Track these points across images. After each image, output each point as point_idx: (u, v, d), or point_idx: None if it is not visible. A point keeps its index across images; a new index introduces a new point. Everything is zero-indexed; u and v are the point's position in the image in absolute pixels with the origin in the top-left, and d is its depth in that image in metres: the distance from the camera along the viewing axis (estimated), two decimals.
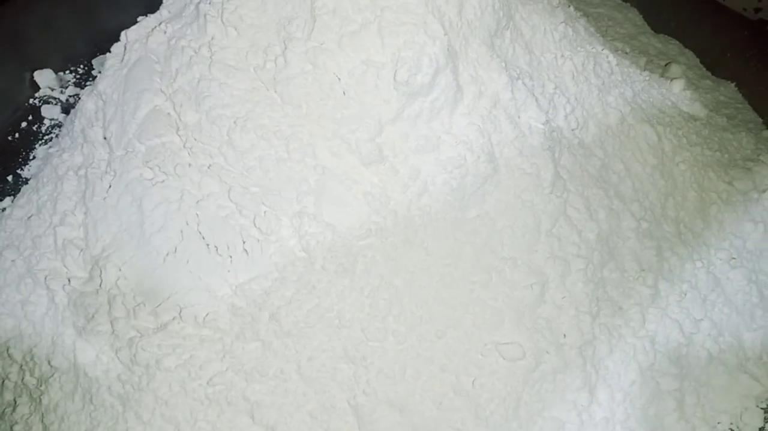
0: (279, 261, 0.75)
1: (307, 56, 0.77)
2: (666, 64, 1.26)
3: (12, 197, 1.13)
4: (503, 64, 0.82)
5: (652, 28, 1.40)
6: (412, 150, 0.78)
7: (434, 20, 0.75)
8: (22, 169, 1.20)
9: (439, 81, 0.76)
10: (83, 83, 1.37)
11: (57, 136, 1.26)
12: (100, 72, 1.37)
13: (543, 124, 0.82)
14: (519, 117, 0.82)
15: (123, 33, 0.96)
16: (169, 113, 0.82)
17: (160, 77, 0.85)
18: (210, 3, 0.84)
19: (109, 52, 0.99)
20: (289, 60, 0.77)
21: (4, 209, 1.11)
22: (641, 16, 1.42)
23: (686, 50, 1.35)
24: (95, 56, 1.41)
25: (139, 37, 0.93)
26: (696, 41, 1.35)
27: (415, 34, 0.74)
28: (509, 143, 0.80)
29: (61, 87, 1.36)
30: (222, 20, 0.82)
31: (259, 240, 0.76)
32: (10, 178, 1.18)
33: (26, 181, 1.18)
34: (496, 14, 0.82)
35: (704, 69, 1.31)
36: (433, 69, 0.75)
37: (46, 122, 1.29)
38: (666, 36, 1.38)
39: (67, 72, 1.38)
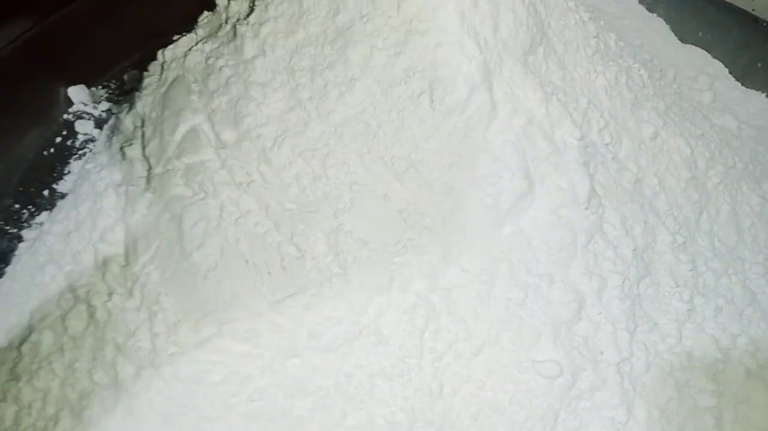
0: (316, 278, 0.76)
1: (342, 77, 0.78)
2: (695, 76, 1.25)
3: (48, 211, 1.16)
4: (537, 80, 0.82)
5: (679, 39, 1.39)
6: (447, 167, 0.79)
7: (470, 40, 0.76)
8: (57, 184, 1.22)
9: (474, 99, 0.77)
10: (116, 98, 1.39)
11: (91, 151, 1.29)
12: (132, 88, 1.42)
13: (578, 139, 0.82)
14: (554, 133, 0.82)
15: (160, 52, 0.98)
16: (207, 132, 0.84)
17: (198, 96, 0.87)
18: (247, 24, 0.86)
19: (146, 70, 1.01)
20: (325, 81, 0.79)
21: (41, 224, 1.14)
22: (668, 26, 1.42)
23: (714, 61, 1.34)
24: (127, 71, 1.44)
25: (175, 57, 0.95)
26: (724, 51, 1.34)
27: (452, 55, 0.75)
28: (544, 159, 0.81)
29: (94, 102, 1.38)
30: (259, 41, 0.84)
31: (296, 257, 0.77)
32: (46, 192, 1.20)
33: (62, 196, 1.21)
34: (530, 31, 0.82)
35: (733, 80, 1.30)
36: (469, 88, 0.76)
37: (80, 137, 1.32)
38: (693, 46, 1.37)
39: (100, 87, 1.41)
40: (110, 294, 0.82)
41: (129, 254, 0.83)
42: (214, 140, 0.83)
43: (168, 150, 0.85)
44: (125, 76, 1.43)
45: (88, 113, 1.37)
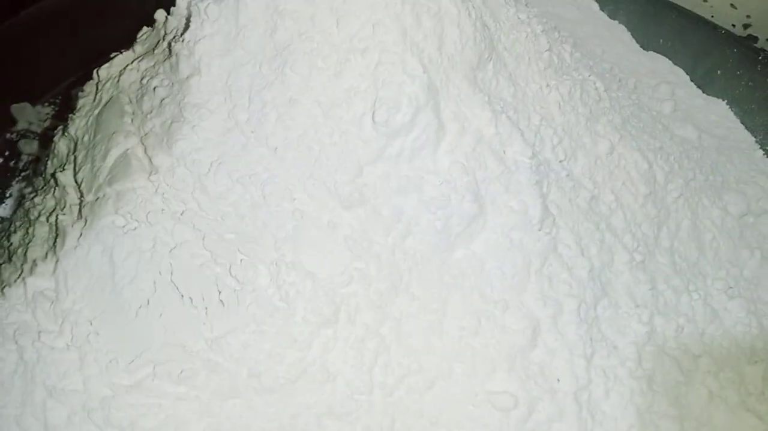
0: (257, 312, 0.72)
1: (281, 98, 0.74)
2: (656, 84, 1.23)
3: None
4: (486, 98, 0.79)
5: (641, 46, 1.38)
6: (394, 191, 0.75)
7: (412, 57, 0.72)
8: None
9: (419, 119, 0.73)
10: (62, 116, 1.33)
11: (35, 172, 1.23)
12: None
13: (529, 158, 0.79)
14: (504, 152, 0.79)
15: (95, 71, 0.93)
16: (140, 157, 0.79)
17: (131, 119, 0.82)
18: (183, 41, 0.81)
19: (81, 90, 0.96)
20: (263, 101, 0.74)
21: None
22: (629, 33, 1.40)
23: (676, 68, 1.33)
24: (74, 88, 1.38)
25: (110, 76, 0.90)
26: (685, 58, 1.33)
27: (393, 74, 0.71)
28: (495, 180, 0.77)
29: (40, 120, 1.32)
30: (194, 59, 0.79)
31: (235, 290, 0.72)
32: None
33: (1, 220, 1.15)
34: (478, 47, 0.79)
35: (695, 87, 1.29)
36: (413, 108, 0.72)
37: (24, 157, 1.26)
38: (655, 53, 1.36)
39: (46, 105, 1.35)
40: (39, 333, 0.77)
41: (59, 289, 0.78)
42: (147, 166, 0.78)
43: (99, 176, 0.80)
44: (72, 92, 1.38)
45: (33, 132, 1.31)
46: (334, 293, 0.73)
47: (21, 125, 1.33)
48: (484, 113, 0.77)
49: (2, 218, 1.14)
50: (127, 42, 1.41)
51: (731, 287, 0.93)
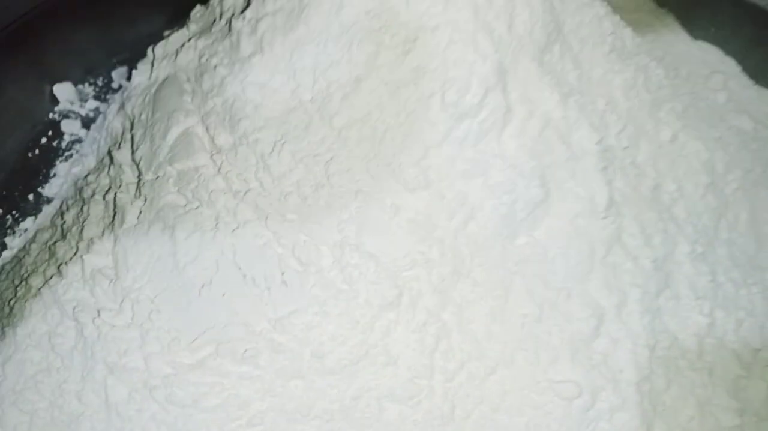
0: (320, 294, 0.71)
1: (346, 77, 0.73)
2: (708, 74, 1.21)
3: (34, 216, 1.10)
4: (554, 80, 0.77)
5: (690, 35, 1.35)
6: (459, 174, 0.74)
7: (484, 37, 0.71)
8: (42, 187, 1.16)
9: (488, 101, 0.72)
10: (103, 96, 1.33)
11: (77, 152, 1.23)
12: (120, 85, 1.35)
13: (596, 143, 0.78)
14: (571, 137, 0.77)
15: (150, 49, 0.93)
16: (201, 136, 0.78)
17: (191, 97, 0.82)
18: (243, 19, 0.80)
19: (134, 68, 0.95)
20: (328, 81, 0.73)
21: (26, 231, 1.08)
22: (677, 22, 1.37)
23: (727, 58, 1.29)
24: (115, 68, 1.38)
25: (167, 54, 0.89)
26: (736, 48, 1.30)
27: (465, 53, 0.70)
28: (561, 165, 0.76)
29: (81, 101, 1.32)
30: (256, 37, 0.78)
31: (298, 271, 0.72)
32: (31, 197, 1.14)
33: (48, 200, 1.15)
34: (547, 28, 0.77)
35: (746, 78, 1.25)
36: (483, 89, 0.71)
37: (66, 137, 1.26)
38: (705, 43, 1.32)
39: (87, 85, 1.35)
40: (99, 310, 0.77)
41: (119, 267, 0.78)
42: (208, 145, 0.78)
43: (159, 155, 0.80)
44: (113, 74, 1.37)
45: (74, 112, 1.31)
46: (396, 277, 0.72)
47: (63, 106, 1.33)
48: (552, 96, 0.75)
49: (48, 198, 1.14)
50: (168, 24, 1.42)
51: None
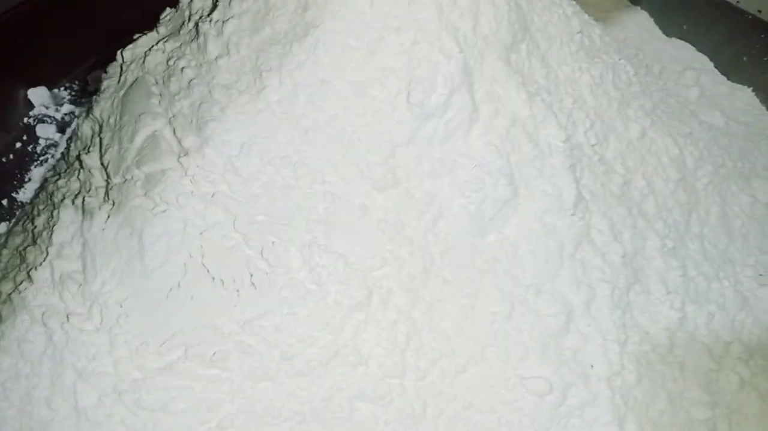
0: (289, 295, 0.71)
1: (312, 78, 0.73)
2: (681, 71, 1.22)
3: (8, 222, 1.09)
4: (520, 79, 0.78)
5: (664, 32, 1.36)
6: (427, 173, 0.74)
7: (448, 37, 0.71)
8: (17, 192, 1.16)
9: (454, 100, 0.72)
10: (79, 100, 1.33)
11: (53, 156, 1.23)
12: (96, 89, 1.34)
13: (563, 141, 0.78)
14: (538, 135, 0.78)
15: (119, 52, 0.92)
16: (169, 139, 0.78)
17: (158, 100, 0.81)
18: (210, 21, 0.80)
19: (105, 72, 0.95)
20: (294, 82, 0.73)
21: (0, 235, 1.07)
22: (651, 19, 1.39)
23: (700, 55, 1.31)
24: (90, 72, 1.37)
25: (135, 57, 0.89)
26: (709, 45, 1.31)
27: (430, 53, 0.70)
28: (528, 163, 0.76)
29: (56, 105, 1.31)
30: (222, 39, 0.78)
31: (267, 273, 0.72)
32: (5, 202, 1.13)
33: (22, 205, 1.14)
34: (512, 27, 0.78)
35: (719, 74, 1.27)
36: (449, 89, 0.71)
37: (42, 141, 1.25)
38: (678, 40, 1.34)
39: (62, 89, 1.34)
40: (68, 315, 0.77)
41: (87, 272, 0.77)
42: (176, 147, 0.77)
43: (127, 158, 0.79)
44: (88, 77, 1.37)
45: (49, 117, 1.30)
46: (366, 276, 0.72)
47: (38, 110, 1.32)
48: (519, 95, 0.75)
49: (23, 203, 1.13)
50: (143, 25, 1.42)
51: (761, 275, 0.91)
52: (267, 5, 0.75)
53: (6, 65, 1.27)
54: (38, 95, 1.31)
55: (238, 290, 0.72)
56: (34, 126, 1.27)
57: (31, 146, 1.24)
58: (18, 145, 1.24)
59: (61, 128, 1.27)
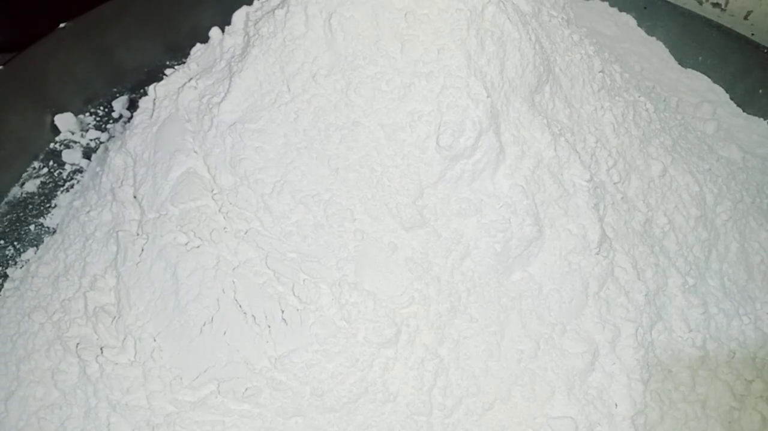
0: (320, 332, 0.73)
1: (345, 120, 0.75)
2: (697, 103, 1.23)
3: (35, 247, 1.11)
4: (545, 121, 0.79)
5: (679, 63, 1.38)
6: (454, 213, 0.76)
7: (477, 82, 0.73)
8: (44, 217, 1.18)
9: (482, 143, 0.74)
10: (103, 126, 1.35)
11: (78, 182, 1.25)
12: (120, 115, 1.37)
13: (587, 181, 0.80)
14: (562, 175, 0.79)
15: (152, 88, 0.94)
16: (203, 176, 0.80)
17: (192, 137, 0.84)
18: (242, 60, 0.82)
19: (135, 97, 0.97)
20: (327, 123, 0.75)
21: (28, 262, 1.09)
22: (667, 50, 1.40)
23: (715, 86, 1.32)
24: (115, 98, 1.40)
25: (168, 93, 0.91)
26: (725, 77, 1.33)
27: (458, 98, 0.72)
28: (553, 203, 0.78)
29: (82, 131, 1.34)
30: (254, 80, 0.81)
31: (298, 310, 0.73)
32: (32, 227, 1.16)
33: (49, 230, 1.16)
34: (537, 70, 0.80)
35: (735, 106, 1.28)
36: (477, 132, 0.73)
37: (67, 167, 1.27)
38: (694, 71, 1.36)
39: (87, 115, 1.37)
40: (102, 348, 0.78)
41: (121, 305, 0.79)
42: (210, 185, 0.79)
43: (161, 194, 0.81)
44: (114, 103, 1.40)
45: (75, 142, 1.33)
46: (394, 314, 0.74)
47: (64, 135, 1.35)
48: (543, 136, 0.77)
49: (50, 228, 1.16)
50: (165, 55, 1.45)
51: None
52: (305, 55, 0.77)
53: (33, 92, 1.30)
54: (64, 121, 1.34)
55: (269, 326, 0.73)
56: (60, 152, 1.29)
57: (58, 172, 1.27)
58: (44, 170, 1.27)
59: (87, 153, 1.29)
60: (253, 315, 0.74)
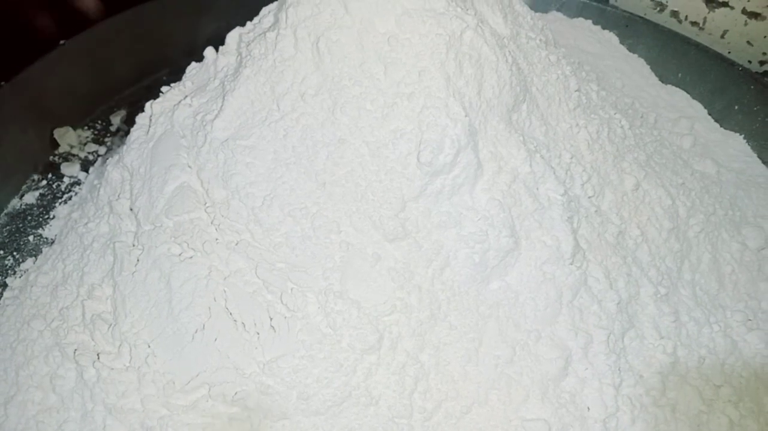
0: (306, 339, 0.76)
1: (331, 137, 0.79)
2: (676, 118, 1.28)
3: (34, 257, 1.15)
4: (521, 138, 0.84)
5: (660, 79, 1.43)
6: (435, 226, 0.80)
7: (455, 102, 0.77)
8: (43, 228, 1.21)
9: (460, 159, 0.78)
10: (102, 139, 1.39)
11: (77, 194, 1.29)
12: (118, 129, 1.42)
13: (561, 195, 0.84)
14: (538, 189, 0.83)
15: (148, 104, 0.99)
16: (196, 190, 0.84)
17: (186, 153, 0.88)
18: (234, 80, 0.87)
19: (132, 112, 1.01)
20: (314, 140, 0.80)
21: (27, 272, 1.12)
22: (648, 67, 1.45)
23: (694, 102, 1.37)
24: (113, 112, 1.45)
25: (164, 110, 0.95)
26: (703, 93, 1.38)
27: (438, 117, 0.76)
28: (529, 216, 0.82)
29: (80, 144, 1.38)
30: (245, 99, 0.85)
31: (286, 317, 0.77)
32: (31, 238, 1.19)
33: (47, 241, 1.20)
34: (513, 90, 0.84)
35: (712, 121, 1.33)
36: (455, 149, 0.77)
37: (66, 179, 1.31)
38: (674, 87, 1.40)
39: (86, 128, 1.41)
40: (98, 354, 0.82)
41: (117, 313, 0.83)
42: (203, 198, 0.83)
43: (157, 207, 0.85)
44: (111, 117, 1.44)
45: (74, 155, 1.37)
46: (377, 322, 0.77)
47: (63, 149, 1.39)
48: (519, 153, 0.82)
49: (48, 239, 1.19)
50: (161, 68, 1.50)
51: (750, 320, 0.96)
52: (294, 76, 0.81)
53: (34, 107, 1.35)
54: (63, 135, 1.38)
55: (258, 333, 0.77)
56: (59, 164, 1.33)
57: (56, 184, 1.31)
58: (44, 182, 1.31)
59: (85, 166, 1.33)
60: (242, 323, 0.78)
